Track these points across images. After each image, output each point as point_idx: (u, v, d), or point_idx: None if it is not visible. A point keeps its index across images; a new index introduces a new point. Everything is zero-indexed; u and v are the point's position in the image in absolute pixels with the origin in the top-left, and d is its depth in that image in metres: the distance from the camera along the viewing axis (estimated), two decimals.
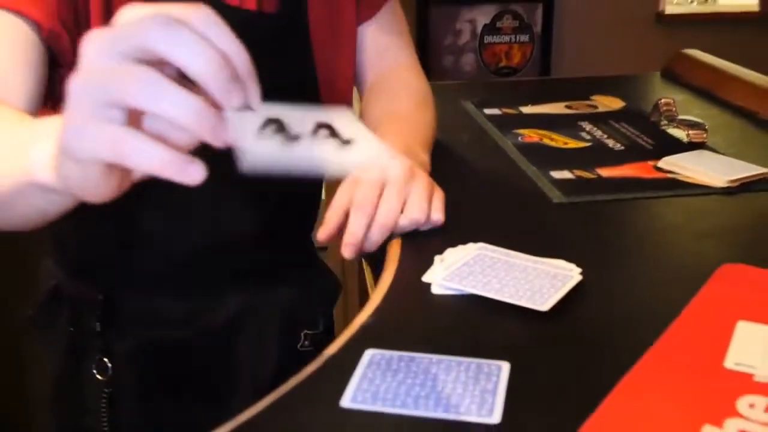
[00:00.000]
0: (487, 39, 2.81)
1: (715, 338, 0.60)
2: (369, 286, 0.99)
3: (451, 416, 0.51)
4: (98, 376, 0.96)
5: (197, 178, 0.48)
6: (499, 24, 2.80)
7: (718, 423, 0.49)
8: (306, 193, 1.06)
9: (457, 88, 1.20)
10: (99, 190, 0.53)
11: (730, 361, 0.57)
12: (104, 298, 0.95)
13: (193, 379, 1.00)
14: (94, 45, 0.48)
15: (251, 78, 0.51)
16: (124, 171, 0.53)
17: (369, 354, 0.58)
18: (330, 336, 1.08)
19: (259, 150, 0.49)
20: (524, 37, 2.84)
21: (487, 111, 1.29)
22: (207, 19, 0.49)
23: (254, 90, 0.51)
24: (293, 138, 0.51)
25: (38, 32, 0.77)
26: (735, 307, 0.64)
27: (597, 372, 0.57)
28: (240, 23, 0.86)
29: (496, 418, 0.51)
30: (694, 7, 3.84)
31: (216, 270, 0.98)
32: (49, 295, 0.99)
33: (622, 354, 0.57)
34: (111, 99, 0.47)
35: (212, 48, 0.48)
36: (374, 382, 0.55)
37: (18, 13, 0.75)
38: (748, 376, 0.55)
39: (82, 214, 0.83)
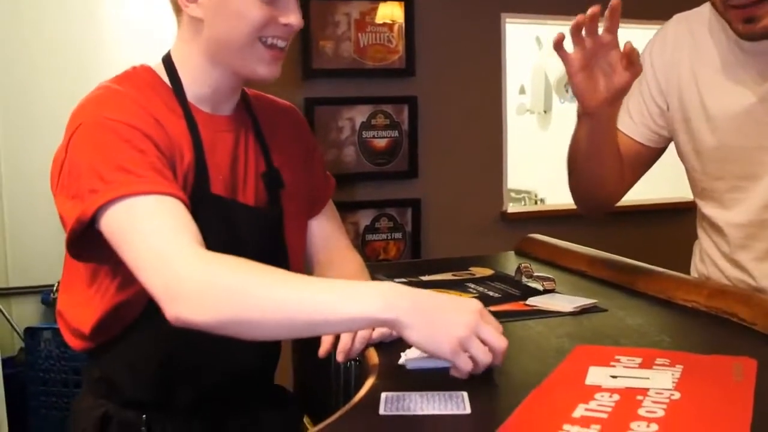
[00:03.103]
0: (368, 237, 3.35)
1: (577, 373, 1.04)
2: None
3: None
4: None
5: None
6: (377, 225, 3.36)
7: (586, 400, 0.93)
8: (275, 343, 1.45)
9: (370, 267, 1.64)
10: None
11: (588, 381, 1.01)
12: (147, 420, 1.29)
13: None
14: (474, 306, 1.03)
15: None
16: None
17: (384, 394, 0.99)
18: None
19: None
20: (398, 235, 3.40)
21: (397, 280, 1.73)
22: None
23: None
24: None
25: (188, 208, 1.15)
26: (586, 361, 1.09)
27: (511, 396, 0.99)
28: (245, 214, 1.30)
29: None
30: (528, 207, 4.60)
31: (224, 398, 1.34)
32: (99, 420, 1.31)
33: (528, 380, 1.01)
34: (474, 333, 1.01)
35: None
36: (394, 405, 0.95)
37: (180, 198, 1.14)
38: (598, 387, 0.99)
39: (133, 366, 1.23)
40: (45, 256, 3.36)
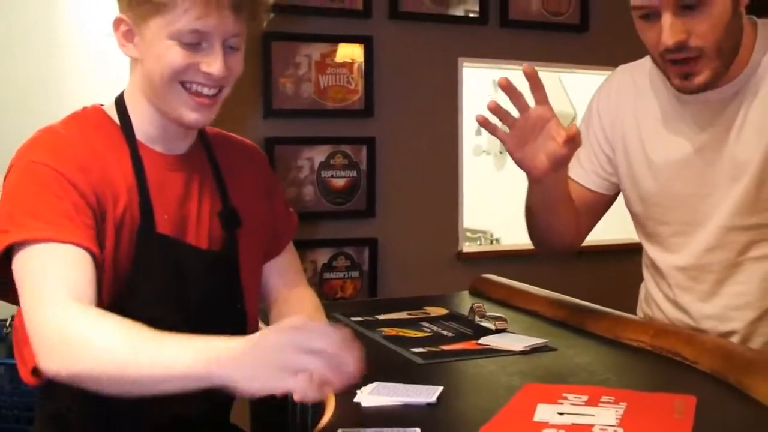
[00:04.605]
0: (326, 275, 3.38)
1: (525, 410, 1.08)
2: None
3: None
4: None
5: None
6: (334, 263, 3.39)
7: None
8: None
9: (326, 306, 1.67)
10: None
11: (536, 418, 1.05)
12: None
13: None
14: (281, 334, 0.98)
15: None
16: None
17: (340, 431, 1.01)
18: None
19: None
20: (355, 273, 3.43)
21: (353, 318, 1.76)
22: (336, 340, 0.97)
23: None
24: None
25: (94, 259, 1.18)
26: (535, 399, 1.13)
27: None
28: (197, 257, 1.31)
29: None
30: (484, 247, 4.67)
31: None
32: None
33: (479, 417, 1.04)
34: (293, 365, 0.94)
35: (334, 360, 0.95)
36: None
37: (86, 248, 1.16)
38: (545, 423, 1.03)
39: (81, 404, 1.23)
40: None
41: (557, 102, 3.27)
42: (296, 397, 0.95)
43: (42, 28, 3.30)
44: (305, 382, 0.94)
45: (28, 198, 1.18)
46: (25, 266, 1.15)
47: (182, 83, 1.25)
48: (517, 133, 1.40)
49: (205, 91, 1.26)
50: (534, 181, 1.50)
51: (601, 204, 1.70)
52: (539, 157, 1.42)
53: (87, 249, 1.16)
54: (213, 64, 1.24)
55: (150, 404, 1.27)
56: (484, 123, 1.42)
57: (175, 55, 1.22)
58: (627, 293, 1.91)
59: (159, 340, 1.04)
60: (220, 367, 0.97)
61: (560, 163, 1.43)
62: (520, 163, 1.45)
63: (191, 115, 1.27)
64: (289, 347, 0.96)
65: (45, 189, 1.18)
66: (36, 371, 1.27)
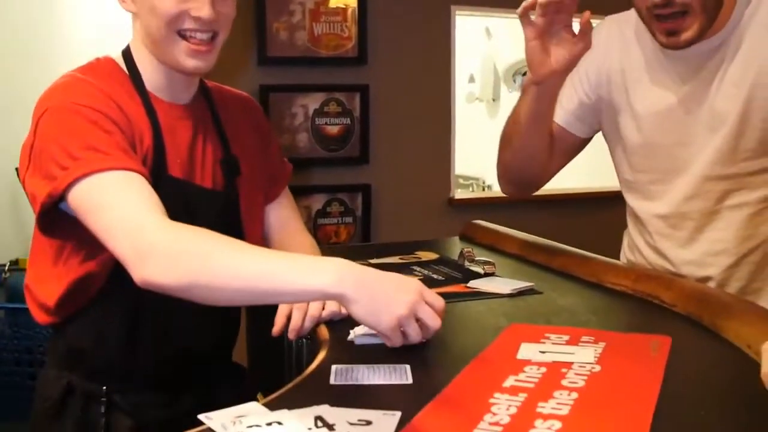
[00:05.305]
0: (320, 221, 3.44)
1: (509, 349, 1.15)
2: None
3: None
4: None
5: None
6: (328, 209, 3.44)
7: (516, 372, 1.04)
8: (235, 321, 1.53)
9: (321, 251, 1.73)
10: None
11: (519, 356, 1.11)
12: (108, 391, 1.36)
13: None
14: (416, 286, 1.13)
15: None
16: None
17: (334, 366, 1.08)
18: None
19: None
20: (349, 219, 3.49)
21: None
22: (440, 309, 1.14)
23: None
24: None
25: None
26: (519, 338, 1.20)
27: (449, 369, 1.09)
28: (201, 196, 1.37)
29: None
30: (475, 193, 4.73)
31: (182, 373, 1.42)
32: (63, 390, 1.37)
33: (465, 355, 1.10)
34: (405, 325, 1.11)
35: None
36: (343, 375, 1.04)
37: (142, 174, 1.22)
38: (528, 361, 1.10)
39: (97, 337, 1.30)
40: None
41: None
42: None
43: (42, 28, 3.30)
44: (400, 339, 1.12)
45: (79, 135, 1.22)
46: (97, 195, 1.19)
47: (179, 32, 1.31)
48: (542, 21, 1.44)
49: (199, 36, 1.32)
50: (533, 82, 1.53)
51: (574, 146, 1.76)
52: (549, 56, 1.46)
53: (145, 175, 1.23)
54: (202, 9, 1.29)
55: (161, 338, 1.36)
56: (527, 8, 1.44)
57: (167, 4, 1.28)
58: (612, 240, 1.97)
59: (282, 255, 1.21)
60: (346, 286, 1.09)
61: (567, 67, 1.48)
62: (531, 54, 1.48)
63: (190, 62, 1.33)
64: (409, 311, 1.10)
65: (94, 126, 1.23)
66: (52, 310, 1.34)
